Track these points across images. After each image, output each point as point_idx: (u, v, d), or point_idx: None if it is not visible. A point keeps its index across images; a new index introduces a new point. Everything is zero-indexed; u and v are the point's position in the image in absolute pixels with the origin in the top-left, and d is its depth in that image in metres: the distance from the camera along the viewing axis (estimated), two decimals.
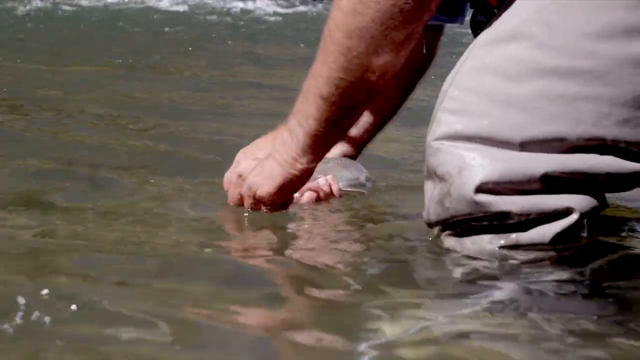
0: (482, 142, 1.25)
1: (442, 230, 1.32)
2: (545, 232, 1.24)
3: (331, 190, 1.71)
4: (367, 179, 1.84)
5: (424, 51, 1.84)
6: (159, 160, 2.11)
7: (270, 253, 1.40)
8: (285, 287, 1.23)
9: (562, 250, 1.25)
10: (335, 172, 1.76)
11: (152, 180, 1.80)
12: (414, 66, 1.89)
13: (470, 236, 1.29)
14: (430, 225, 1.34)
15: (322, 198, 1.68)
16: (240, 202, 1.52)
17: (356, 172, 1.84)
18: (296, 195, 1.53)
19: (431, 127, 1.31)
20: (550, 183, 1.23)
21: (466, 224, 1.28)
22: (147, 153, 2.19)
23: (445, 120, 1.29)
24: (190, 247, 1.35)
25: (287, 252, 1.42)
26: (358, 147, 1.96)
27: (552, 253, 1.25)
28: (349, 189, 1.78)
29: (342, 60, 1.31)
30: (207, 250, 1.34)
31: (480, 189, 1.23)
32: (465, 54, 1.32)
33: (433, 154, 1.29)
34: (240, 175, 1.52)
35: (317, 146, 1.41)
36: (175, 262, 1.25)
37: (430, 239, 1.36)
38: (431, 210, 1.31)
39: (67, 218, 1.47)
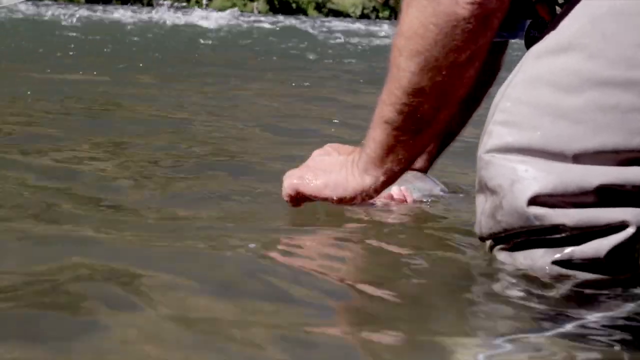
0: (535, 154, 1.23)
1: (494, 244, 1.30)
2: (600, 246, 1.21)
3: (405, 200, 1.72)
4: (442, 191, 1.84)
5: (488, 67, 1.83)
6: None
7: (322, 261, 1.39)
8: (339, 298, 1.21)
9: (618, 265, 1.22)
10: (409, 184, 1.77)
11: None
12: (479, 81, 1.89)
13: (522, 250, 1.26)
14: (482, 239, 1.32)
15: (394, 207, 1.69)
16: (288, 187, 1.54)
17: (431, 184, 1.84)
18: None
19: (482, 140, 1.30)
20: (605, 196, 1.20)
21: (519, 237, 1.26)
22: None
23: (496, 132, 1.27)
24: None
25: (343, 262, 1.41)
26: (429, 160, 1.97)
27: (608, 269, 1.22)
28: (423, 199, 1.79)
29: (407, 85, 1.31)
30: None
31: (533, 201, 1.21)
32: (518, 66, 1.31)
33: (484, 167, 1.28)
34: (307, 164, 1.54)
35: (377, 169, 1.42)
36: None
37: (485, 254, 1.34)
38: (483, 223, 1.30)
39: None
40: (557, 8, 1.44)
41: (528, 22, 1.72)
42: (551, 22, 1.31)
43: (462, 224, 1.64)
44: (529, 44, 1.48)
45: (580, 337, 1.06)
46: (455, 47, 1.27)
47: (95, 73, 5.01)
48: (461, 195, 1.94)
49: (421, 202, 1.79)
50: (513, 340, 1.03)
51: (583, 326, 1.09)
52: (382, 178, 1.43)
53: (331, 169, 1.48)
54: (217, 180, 1.99)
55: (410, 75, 1.30)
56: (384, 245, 1.48)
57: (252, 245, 1.34)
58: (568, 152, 1.21)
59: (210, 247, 1.34)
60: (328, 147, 1.56)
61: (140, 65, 6.00)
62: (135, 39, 9.41)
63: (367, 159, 1.41)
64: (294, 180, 1.52)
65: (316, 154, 1.55)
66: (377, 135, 1.39)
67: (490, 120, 1.30)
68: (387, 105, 1.35)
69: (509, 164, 1.24)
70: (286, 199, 1.54)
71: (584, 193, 1.20)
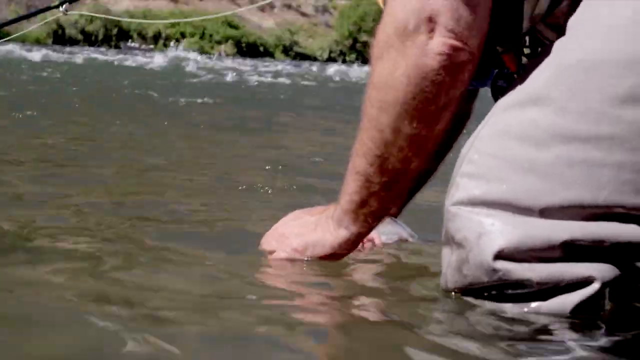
0: (502, 207, 1.22)
1: (462, 296, 1.29)
2: (565, 301, 1.20)
3: (373, 243, 1.71)
4: (411, 236, 1.83)
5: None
6: None
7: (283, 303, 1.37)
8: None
9: (583, 320, 1.21)
10: (377, 228, 1.76)
11: None
12: (449, 128, 1.90)
13: (488, 304, 1.25)
14: (448, 291, 1.31)
15: (362, 250, 1.67)
16: (266, 246, 1.54)
17: (399, 228, 1.83)
18: None
19: (450, 192, 1.29)
20: (571, 251, 1.19)
21: (485, 291, 1.25)
22: None
23: (463, 184, 1.27)
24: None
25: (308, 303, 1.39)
26: (399, 206, 1.96)
27: (573, 323, 1.21)
28: (390, 242, 1.78)
29: (377, 137, 1.31)
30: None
31: (500, 255, 1.20)
32: (486, 118, 1.31)
33: (451, 219, 1.27)
34: (281, 224, 1.54)
35: (353, 221, 1.41)
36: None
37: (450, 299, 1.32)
38: (449, 277, 1.29)
39: None
40: (523, 59, 1.45)
41: (496, 71, 1.73)
42: (519, 74, 1.31)
43: (428, 267, 1.63)
44: (495, 94, 1.49)
45: None
46: (426, 99, 1.27)
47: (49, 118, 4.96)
48: (430, 241, 1.93)
49: (388, 244, 1.78)
50: None
51: None
52: (358, 230, 1.42)
53: (305, 231, 1.48)
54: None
55: (382, 127, 1.30)
56: (346, 285, 1.47)
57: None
58: (535, 207, 1.21)
59: None
60: (297, 212, 1.56)
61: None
62: (97, 79, 9.39)
63: (342, 212, 1.41)
64: (272, 245, 1.53)
65: (287, 219, 1.55)
66: (350, 186, 1.38)
67: (458, 172, 1.29)
68: (359, 156, 1.35)
69: (476, 217, 1.24)
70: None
71: (550, 248, 1.19)
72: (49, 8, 2.25)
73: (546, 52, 1.27)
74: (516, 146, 1.24)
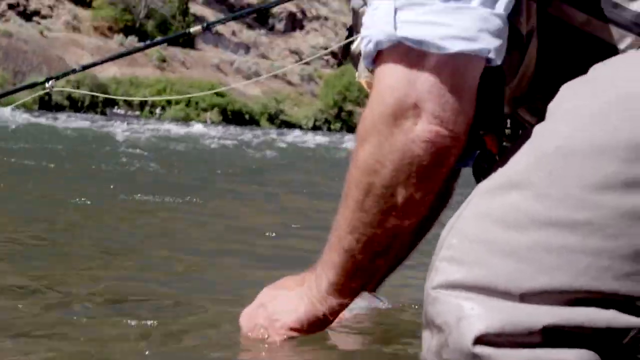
0: (481, 292, 1.22)
1: None
2: None
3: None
4: (382, 302, 1.83)
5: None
6: None
7: None
8: None
9: None
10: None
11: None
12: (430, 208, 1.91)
13: None
14: None
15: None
16: (254, 332, 1.52)
17: (372, 300, 1.83)
18: None
19: (430, 275, 1.29)
20: (551, 336, 1.19)
21: None
22: None
23: (443, 268, 1.27)
24: None
25: None
26: (375, 282, 1.96)
27: None
28: (361, 312, 1.77)
29: (361, 217, 1.32)
30: None
31: (479, 340, 1.20)
32: (466, 201, 1.31)
33: (431, 303, 1.27)
34: (261, 304, 1.52)
35: (341, 293, 1.41)
36: None
37: None
38: None
39: None
40: (504, 140, 1.46)
41: (478, 152, 1.75)
42: (500, 155, 1.33)
43: (400, 334, 1.63)
44: (477, 175, 1.50)
45: None
46: (411, 184, 1.27)
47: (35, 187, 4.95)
48: (408, 311, 1.93)
49: (360, 314, 1.78)
50: None
51: None
52: (346, 300, 1.42)
53: (296, 306, 1.47)
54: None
55: (367, 209, 1.31)
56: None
57: None
58: (514, 291, 1.20)
59: None
60: (279, 283, 1.56)
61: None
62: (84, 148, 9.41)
63: (330, 284, 1.41)
64: (259, 329, 1.51)
65: (265, 296, 1.54)
66: (336, 261, 1.38)
67: (438, 256, 1.29)
68: (345, 233, 1.35)
69: (455, 300, 1.23)
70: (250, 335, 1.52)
71: (530, 333, 1.19)
72: (34, 84, 2.27)
73: (526, 136, 1.28)
74: (496, 230, 1.24)
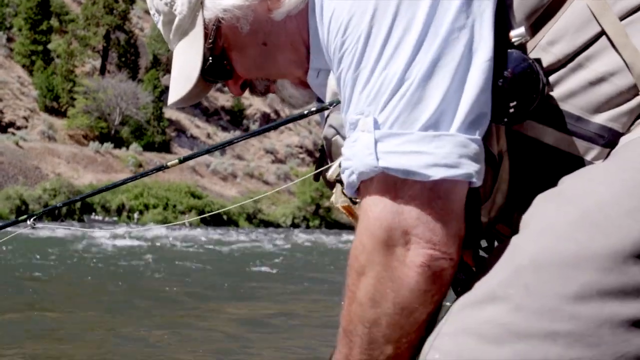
0: None
1: None
2: None
3: None
4: None
5: None
6: None
7: None
8: None
9: None
10: None
11: None
12: None
13: None
14: None
15: None
16: None
17: None
18: None
19: None
20: None
21: None
22: None
23: None
24: None
25: None
26: None
27: None
28: None
29: (372, 350, 1.32)
30: None
31: None
32: (445, 316, 1.31)
33: None
34: None
35: None
36: None
37: None
38: None
39: None
40: (480, 251, 1.48)
41: None
42: (476, 268, 1.33)
43: None
44: (455, 287, 1.51)
45: None
46: (414, 309, 1.28)
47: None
48: None
49: None
50: None
51: None
52: None
53: None
54: None
55: (374, 340, 1.31)
56: None
57: None
58: None
59: None
60: None
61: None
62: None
63: None
64: None
65: None
66: None
67: None
68: None
69: None
70: None
71: None
72: (16, 221, 2.27)
73: (501, 249, 1.29)
74: (475, 344, 1.24)
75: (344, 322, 1.35)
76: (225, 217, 49.87)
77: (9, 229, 2.30)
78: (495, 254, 1.31)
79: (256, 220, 51.56)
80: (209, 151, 2.01)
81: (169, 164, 1.96)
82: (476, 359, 1.23)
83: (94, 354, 3.05)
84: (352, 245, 1.33)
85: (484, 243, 1.50)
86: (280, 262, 10.23)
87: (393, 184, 1.26)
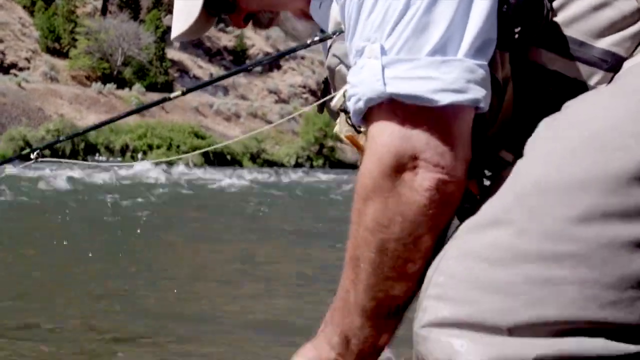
0: (470, 328, 1.23)
1: None
2: None
3: None
4: (395, 356, 1.82)
5: None
6: None
7: None
8: None
9: None
10: None
11: None
12: None
13: None
14: None
15: None
16: None
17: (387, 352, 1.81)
18: None
19: (417, 315, 1.30)
20: None
21: None
22: None
23: (431, 307, 1.28)
24: None
25: None
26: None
27: None
28: None
29: (378, 275, 1.34)
30: None
31: None
32: (450, 240, 1.33)
33: (421, 342, 1.28)
34: None
35: (354, 355, 1.42)
36: None
37: None
38: None
39: None
40: (485, 180, 1.48)
41: None
42: (481, 196, 1.35)
43: None
44: (461, 216, 1.52)
45: None
46: (422, 233, 1.30)
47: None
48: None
49: None
50: None
51: None
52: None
53: None
54: None
55: (383, 266, 1.32)
56: None
57: None
58: (503, 326, 1.22)
59: None
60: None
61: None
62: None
63: (343, 348, 1.42)
64: None
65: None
66: (354, 322, 1.39)
67: (425, 295, 1.30)
68: (362, 296, 1.35)
69: (445, 338, 1.24)
70: None
71: None
72: (20, 156, 2.28)
73: (505, 175, 1.31)
74: (480, 267, 1.26)
75: (351, 248, 1.36)
76: (229, 157, 49.90)
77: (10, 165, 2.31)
78: (499, 180, 1.32)
79: (260, 160, 51.59)
80: (211, 83, 2.01)
81: (172, 95, 1.96)
82: (480, 281, 1.25)
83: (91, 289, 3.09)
84: (359, 172, 1.34)
85: (487, 173, 1.50)
86: (283, 201, 10.27)
87: (401, 110, 1.27)
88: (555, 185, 1.23)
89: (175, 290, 3.08)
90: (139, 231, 6.08)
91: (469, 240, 1.29)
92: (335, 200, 10.82)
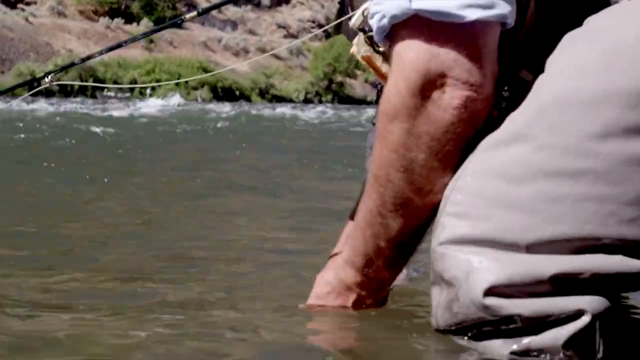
0: (488, 245, 1.24)
1: (453, 335, 1.30)
2: (557, 335, 1.21)
3: None
4: (416, 271, 1.83)
5: None
6: None
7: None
8: None
9: (576, 355, 1.22)
10: None
11: None
12: None
13: (480, 341, 1.26)
14: (439, 331, 1.31)
15: None
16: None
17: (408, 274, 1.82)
18: None
19: (435, 232, 1.30)
20: (559, 285, 1.21)
21: (475, 329, 1.25)
22: None
23: (449, 224, 1.28)
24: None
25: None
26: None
27: (566, 357, 1.22)
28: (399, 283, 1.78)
29: (402, 196, 1.34)
30: None
31: (489, 292, 1.21)
32: (468, 158, 1.32)
33: (439, 259, 1.28)
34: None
35: (377, 276, 1.44)
36: None
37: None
38: (439, 316, 1.29)
39: None
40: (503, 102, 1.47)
41: None
42: (499, 115, 1.33)
43: (420, 305, 1.63)
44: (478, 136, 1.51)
45: None
46: (448, 152, 1.30)
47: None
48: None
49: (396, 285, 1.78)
50: None
51: None
52: (388, 283, 1.47)
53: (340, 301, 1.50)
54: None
55: (407, 187, 1.33)
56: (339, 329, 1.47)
57: None
58: (521, 243, 1.22)
59: None
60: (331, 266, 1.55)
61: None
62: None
63: (360, 270, 1.43)
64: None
65: (325, 274, 1.54)
66: (371, 244, 1.40)
67: (443, 213, 1.30)
68: (385, 215, 1.36)
69: (463, 255, 1.25)
70: None
71: (539, 282, 1.21)
72: (34, 80, 2.27)
73: (525, 92, 1.30)
74: (499, 184, 1.25)
75: (375, 168, 1.36)
76: (237, 93, 49.73)
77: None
78: (518, 97, 1.31)
79: (268, 95, 51.41)
80: (230, 2, 1.98)
81: (186, 16, 1.94)
82: (499, 198, 1.25)
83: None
84: (385, 91, 1.33)
85: (506, 94, 1.49)
86: (290, 135, 10.28)
87: (427, 27, 1.25)
88: (576, 100, 1.22)
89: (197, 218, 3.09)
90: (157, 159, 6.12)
91: (488, 157, 1.28)
92: (345, 134, 10.80)
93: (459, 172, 1.32)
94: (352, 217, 1.81)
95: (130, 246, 2.44)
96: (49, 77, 2.19)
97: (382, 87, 1.74)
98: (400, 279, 1.80)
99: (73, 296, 1.75)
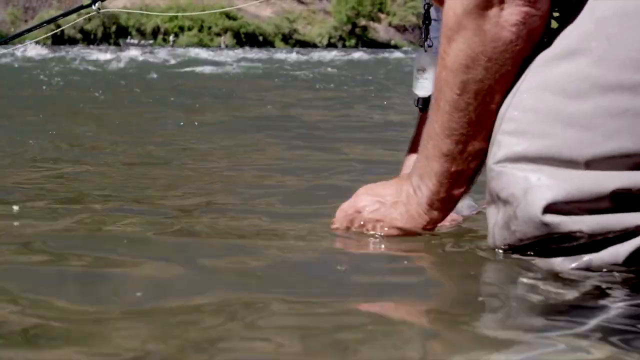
0: (546, 162, 1.21)
1: (510, 255, 1.28)
2: (617, 252, 1.19)
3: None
4: (473, 207, 1.81)
5: None
6: None
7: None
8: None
9: (637, 272, 1.20)
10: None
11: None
12: None
13: (539, 259, 1.24)
14: (496, 249, 1.30)
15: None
16: (345, 228, 1.54)
17: (471, 200, 1.80)
18: None
19: (491, 150, 1.29)
20: (620, 201, 1.18)
21: (534, 247, 1.24)
22: None
23: (505, 142, 1.26)
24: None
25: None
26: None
27: (628, 274, 1.20)
28: (470, 214, 1.77)
29: (459, 117, 1.32)
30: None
31: (548, 209, 1.19)
32: (524, 74, 1.29)
33: (495, 177, 1.26)
34: (358, 211, 1.51)
35: (443, 202, 1.42)
36: None
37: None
38: (497, 235, 1.28)
39: None
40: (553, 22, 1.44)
41: None
42: (553, 30, 1.30)
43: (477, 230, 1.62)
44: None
45: (606, 332, 1.01)
46: (506, 71, 1.28)
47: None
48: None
49: (468, 216, 1.76)
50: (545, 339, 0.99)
51: (608, 321, 1.05)
52: (449, 209, 1.45)
53: (380, 207, 1.48)
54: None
55: (464, 106, 1.31)
56: (409, 254, 1.45)
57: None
58: (580, 159, 1.20)
59: None
60: (375, 189, 1.53)
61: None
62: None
63: (432, 194, 1.41)
64: (344, 222, 1.53)
65: (366, 196, 1.52)
66: (437, 169, 1.38)
67: (498, 130, 1.28)
68: (443, 138, 1.34)
69: (521, 173, 1.23)
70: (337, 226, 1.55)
71: (599, 199, 1.18)
72: (81, 7, 2.24)
73: (580, 7, 1.26)
74: (556, 99, 1.23)
75: (435, 90, 1.34)
76: (261, 38, 49.53)
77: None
78: (574, 11, 1.28)
79: (292, 40, 51.17)
80: None
81: None
82: (556, 114, 1.22)
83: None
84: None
85: (556, 14, 1.45)
86: (314, 77, 10.27)
87: None
88: (635, 11, 1.19)
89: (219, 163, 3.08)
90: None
91: (544, 72, 1.26)
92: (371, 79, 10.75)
93: (514, 88, 1.30)
94: (411, 150, 1.79)
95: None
96: (97, 4, 2.16)
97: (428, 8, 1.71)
98: (473, 212, 1.79)
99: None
